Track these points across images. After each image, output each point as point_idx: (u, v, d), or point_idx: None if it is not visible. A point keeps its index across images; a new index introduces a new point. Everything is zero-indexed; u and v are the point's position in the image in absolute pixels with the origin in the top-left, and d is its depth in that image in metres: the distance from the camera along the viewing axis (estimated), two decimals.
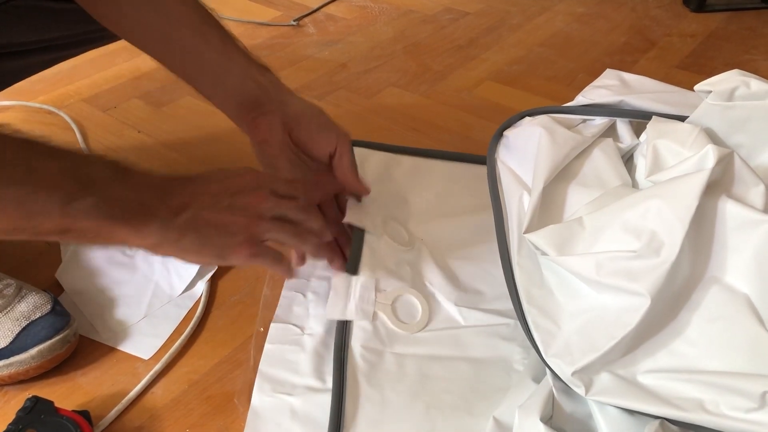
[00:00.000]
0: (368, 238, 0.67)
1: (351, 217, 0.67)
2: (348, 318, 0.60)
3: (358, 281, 0.63)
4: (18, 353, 0.56)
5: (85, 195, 0.45)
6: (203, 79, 0.65)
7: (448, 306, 0.63)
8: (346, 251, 0.67)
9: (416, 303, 0.63)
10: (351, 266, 0.64)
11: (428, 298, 0.64)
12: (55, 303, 0.60)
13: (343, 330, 0.60)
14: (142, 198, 0.49)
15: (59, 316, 0.59)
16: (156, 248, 0.51)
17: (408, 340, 0.60)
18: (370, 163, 0.82)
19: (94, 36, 0.70)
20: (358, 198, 0.69)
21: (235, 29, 1.24)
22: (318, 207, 0.66)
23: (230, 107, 0.65)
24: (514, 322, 0.61)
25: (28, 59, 0.70)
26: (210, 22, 0.64)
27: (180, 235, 0.50)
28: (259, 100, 0.64)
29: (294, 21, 1.28)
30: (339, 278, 0.63)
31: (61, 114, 0.97)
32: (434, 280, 0.66)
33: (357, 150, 0.83)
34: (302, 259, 0.60)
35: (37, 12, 0.64)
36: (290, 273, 0.60)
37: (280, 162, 0.64)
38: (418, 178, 0.80)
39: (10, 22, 0.63)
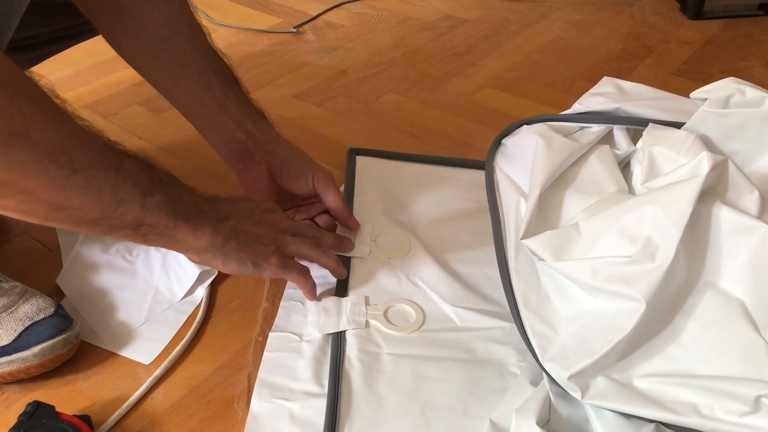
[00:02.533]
0: (354, 261, 0.69)
1: None
2: (341, 329, 0.61)
3: (348, 300, 0.64)
4: (20, 351, 0.57)
5: (157, 191, 0.51)
6: (201, 123, 0.72)
7: (443, 306, 0.64)
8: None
9: (408, 309, 0.64)
10: (340, 289, 0.66)
11: (423, 299, 0.65)
12: (59, 307, 0.60)
13: (338, 340, 0.60)
14: (197, 202, 0.55)
15: (62, 318, 0.59)
16: (203, 253, 0.56)
17: (404, 342, 0.61)
18: (372, 171, 0.83)
19: (81, 30, 0.72)
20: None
21: (235, 36, 1.26)
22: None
23: (222, 152, 0.73)
24: (510, 326, 0.61)
25: (17, 57, 0.71)
26: (218, 70, 0.70)
27: (224, 242, 0.56)
28: (248, 151, 0.71)
29: (294, 28, 1.28)
30: (329, 300, 0.64)
31: None
32: (430, 281, 0.67)
33: (360, 159, 0.84)
34: (313, 294, 0.65)
35: (31, 7, 0.66)
36: (312, 291, 0.64)
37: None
38: (419, 184, 0.81)
39: None
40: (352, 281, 0.67)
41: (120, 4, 0.65)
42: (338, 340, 0.60)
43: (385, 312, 0.63)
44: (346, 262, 0.68)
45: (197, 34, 0.69)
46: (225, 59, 0.71)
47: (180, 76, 0.68)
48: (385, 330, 0.62)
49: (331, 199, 0.70)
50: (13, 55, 0.70)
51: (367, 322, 0.62)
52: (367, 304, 0.64)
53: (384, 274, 0.68)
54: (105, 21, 0.67)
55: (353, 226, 0.72)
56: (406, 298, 0.65)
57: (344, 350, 0.60)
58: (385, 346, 0.60)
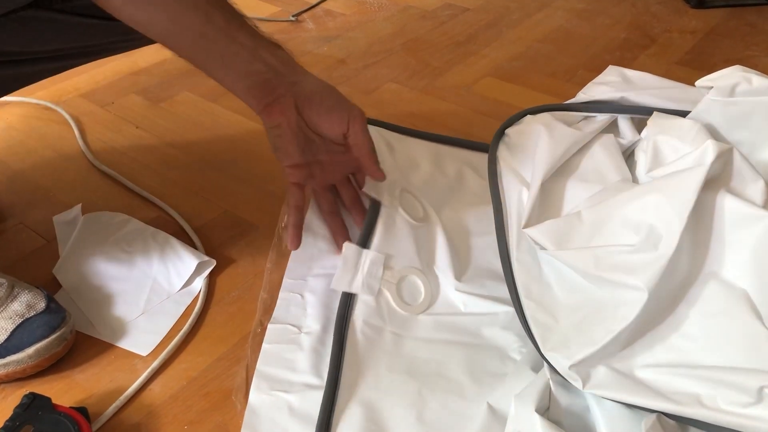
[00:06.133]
0: (383, 212, 0.67)
1: (369, 188, 0.68)
2: (354, 291, 0.61)
3: (368, 255, 0.63)
4: (14, 352, 0.56)
5: None
6: (210, 62, 0.63)
7: (450, 291, 0.63)
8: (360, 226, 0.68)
9: (420, 285, 0.63)
10: (363, 239, 0.64)
11: (433, 281, 0.64)
12: (50, 300, 0.59)
13: (347, 302, 0.60)
14: None
15: (54, 313, 0.58)
16: None
17: (408, 322, 0.61)
18: (390, 146, 0.80)
19: (104, 47, 0.70)
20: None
21: None
22: (334, 187, 0.70)
23: (240, 90, 0.64)
24: (513, 310, 0.61)
25: (39, 66, 0.71)
26: (215, 2, 0.63)
27: None
28: (269, 83, 0.63)
29: (293, 17, 1.27)
30: (350, 249, 0.63)
31: (59, 110, 0.96)
32: (441, 263, 0.66)
33: (378, 130, 0.79)
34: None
35: (50, 24, 0.64)
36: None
37: (290, 147, 0.64)
38: (436, 163, 0.79)
39: (21, 31, 0.63)
40: (376, 233, 0.65)
41: None
42: (346, 306, 0.60)
43: (399, 282, 0.63)
44: (374, 212, 0.66)
45: None
46: None
47: (176, 13, 0.61)
48: (393, 305, 0.61)
49: (361, 140, 0.64)
50: (34, 64, 0.70)
51: (380, 289, 0.62)
52: (385, 266, 0.63)
53: (405, 237, 0.66)
54: None
55: (380, 176, 0.66)
56: (421, 269, 0.64)
57: (351, 319, 0.59)
58: (390, 324, 0.60)
